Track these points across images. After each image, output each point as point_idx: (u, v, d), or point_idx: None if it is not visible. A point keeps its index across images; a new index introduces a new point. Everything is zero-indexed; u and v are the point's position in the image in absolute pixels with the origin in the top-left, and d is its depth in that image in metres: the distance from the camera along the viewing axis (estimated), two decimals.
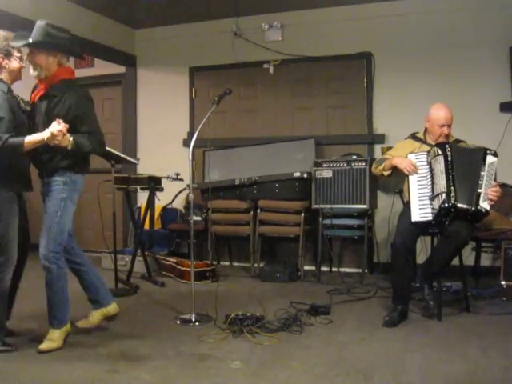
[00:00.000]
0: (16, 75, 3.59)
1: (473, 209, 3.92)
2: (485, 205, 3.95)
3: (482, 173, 3.97)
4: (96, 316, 3.84)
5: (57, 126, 3.28)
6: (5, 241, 3.44)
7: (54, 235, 3.48)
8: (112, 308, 3.87)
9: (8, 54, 3.51)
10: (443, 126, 4.23)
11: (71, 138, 3.36)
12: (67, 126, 3.31)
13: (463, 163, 4.02)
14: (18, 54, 3.57)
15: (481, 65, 5.67)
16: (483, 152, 4.03)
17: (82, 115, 3.47)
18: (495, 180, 4.07)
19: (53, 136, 3.28)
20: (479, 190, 3.94)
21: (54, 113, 3.46)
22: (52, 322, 3.54)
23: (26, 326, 3.97)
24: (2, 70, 3.52)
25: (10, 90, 3.54)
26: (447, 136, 4.26)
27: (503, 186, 4.56)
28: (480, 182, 3.95)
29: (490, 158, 4.01)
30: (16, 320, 3.88)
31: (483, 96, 5.66)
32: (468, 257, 5.12)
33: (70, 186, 3.54)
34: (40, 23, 3.49)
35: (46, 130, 3.31)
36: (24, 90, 3.69)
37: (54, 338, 3.51)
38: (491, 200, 3.96)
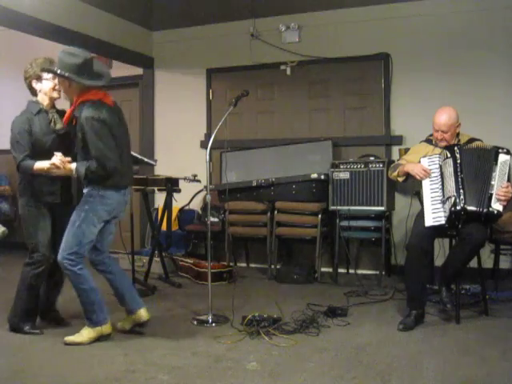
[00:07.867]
0: (51, 95, 3.83)
1: (484, 210, 3.86)
2: (496, 206, 3.86)
3: (494, 173, 3.90)
4: (126, 322, 3.90)
5: (54, 159, 3.55)
6: (34, 241, 3.77)
7: (70, 244, 3.57)
8: (138, 316, 3.84)
9: (38, 78, 3.79)
10: (437, 131, 4.19)
11: (74, 167, 3.57)
12: (66, 159, 3.56)
13: (473, 164, 3.95)
14: (48, 76, 3.78)
15: (499, 66, 5.61)
16: (495, 151, 3.96)
17: (86, 136, 3.50)
18: (508, 180, 3.96)
19: (51, 167, 3.56)
20: (491, 192, 3.86)
21: (74, 134, 3.61)
22: (86, 320, 3.67)
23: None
24: (36, 92, 3.83)
25: (42, 111, 3.79)
26: (448, 140, 4.16)
27: None
28: (492, 183, 3.88)
29: (502, 157, 3.94)
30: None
31: (501, 97, 5.60)
32: (487, 259, 5.07)
33: (95, 199, 3.60)
34: (60, 52, 3.58)
35: (50, 160, 3.58)
36: None
37: (82, 334, 3.64)
38: (501, 201, 3.87)
